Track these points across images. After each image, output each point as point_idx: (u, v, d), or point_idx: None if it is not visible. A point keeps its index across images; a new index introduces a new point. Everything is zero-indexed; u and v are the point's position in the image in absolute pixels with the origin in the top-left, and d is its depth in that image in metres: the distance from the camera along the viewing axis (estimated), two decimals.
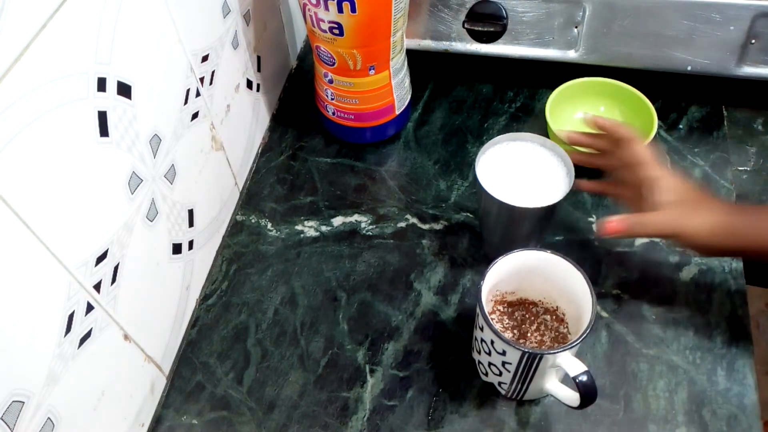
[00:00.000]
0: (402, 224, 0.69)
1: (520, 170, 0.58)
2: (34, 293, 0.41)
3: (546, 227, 0.61)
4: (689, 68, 0.70)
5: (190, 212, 0.61)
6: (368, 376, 0.59)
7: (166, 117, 0.55)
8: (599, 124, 0.59)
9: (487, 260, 0.54)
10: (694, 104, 0.76)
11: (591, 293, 0.50)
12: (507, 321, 0.58)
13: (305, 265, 0.66)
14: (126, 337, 0.52)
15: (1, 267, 0.38)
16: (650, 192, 0.54)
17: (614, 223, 0.53)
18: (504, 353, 0.50)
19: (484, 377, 0.56)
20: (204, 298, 0.65)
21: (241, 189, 0.73)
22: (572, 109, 0.74)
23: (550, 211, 0.56)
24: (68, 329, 0.44)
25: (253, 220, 0.71)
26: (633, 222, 0.53)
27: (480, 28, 0.71)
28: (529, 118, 0.77)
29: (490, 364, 0.53)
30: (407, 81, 0.74)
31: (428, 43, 0.75)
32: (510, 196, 0.56)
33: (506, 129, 0.76)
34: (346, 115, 0.73)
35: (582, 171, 0.72)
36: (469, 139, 0.75)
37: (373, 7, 0.61)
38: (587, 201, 0.68)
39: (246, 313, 0.64)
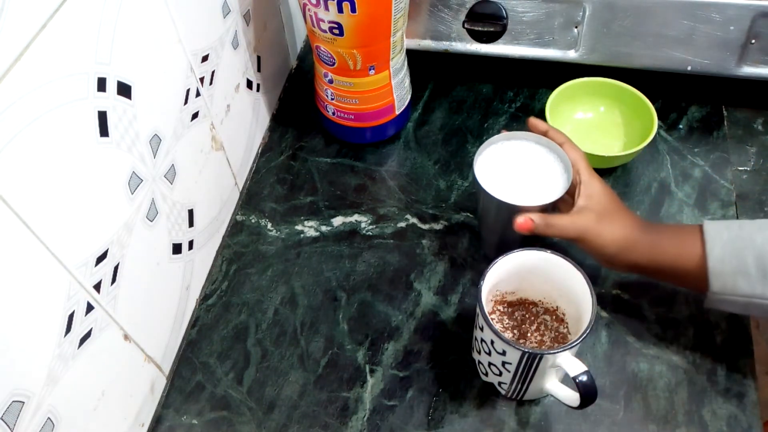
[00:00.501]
0: (402, 224, 0.69)
1: (518, 169, 0.58)
2: (34, 293, 0.41)
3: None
4: (689, 68, 0.70)
5: (190, 212, 0.61)
6: (368, 376, 0.59)
7: (166, 117, 0.55)
8: (531, 124, 0.60)
9: (487, 260, 0.54)
10: (694, 104, 0.76)
11: (591, 293, 0.50)
12: (507, 321, 0.58)
13: (305, 265, 0.66)
14: (126, 337, 0.52)
15: (1, 267, 0.38)
16: (575, 194, 0.55)
17: (523, 221, 0.54)
18: (504, 353, 0.50)
19: (484, 377, 0.56)
20: (204, 298, 0.65)
21: (241, 189, 0.73)
22: (572, 109, 0.74)
23: (548, 208, 0.56)
24: (68, 329, 0.44)
25: (253, 220, 0.71)
26: (539, 222, 0.54)
27: (480, 28, 0.71)
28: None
29: (490, 364, 0.53)
30: (407, 81, 0.74)
31: (428, 43, 0.75)
32: (508, 195, 0.56)
33: (506, 129, 0.76)
34: (346, 115, 0.73)
35: None
36: (469, 139, 0.75)
37: (373, 7, 0.61)
38: None
39: (246, 313, 0.64)
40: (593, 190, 0.55)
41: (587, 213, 0.54)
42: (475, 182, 0.57)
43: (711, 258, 0.50)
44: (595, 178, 0.56)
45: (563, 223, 0.54)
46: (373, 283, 0.65)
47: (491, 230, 0.63)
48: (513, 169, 0.58)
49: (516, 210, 0.55)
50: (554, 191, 0.56)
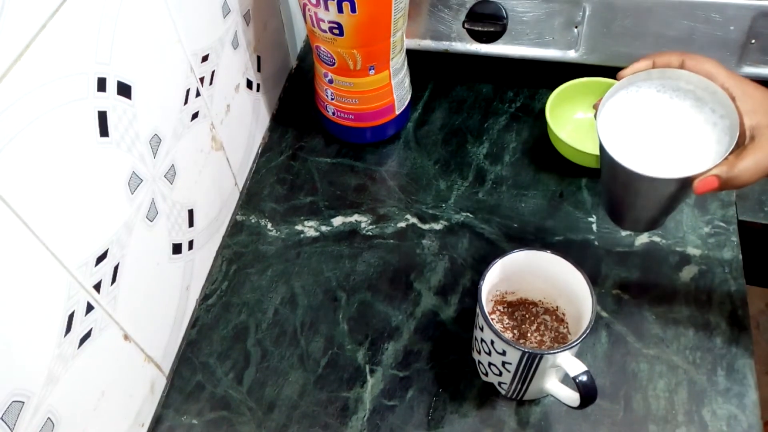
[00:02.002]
0: (402, 224, 0.69)
1: (657, 126, 0.47)
2: (34, 293, 0.41)
3: (683, 199, 0.49)
4: None
5: (190, 212, 0.61)
6: (368, 376, 0.59)
7: (166, 117, 0.55)
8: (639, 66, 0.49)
9: (488, 260, 0.54)
10: None
11: (591, 293, 0.50)
12: (507, 321, 0.58)
13: (305, 265, 0.66)
14: (126, 337, 0.52)
15: (1, 267, 0.38)
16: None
17: (703, 184, 0.44)
18: (504, 353, 0.50)
19: (484, 377, 0.56)
20: (204, 298, 0.65)
21: (241, 189, 0.73)
22: (572, 109, 0.74)
23: (689, 182, 0.45)
24: (68, 329, 0.44)
25: (253, 220, 0.71)
26: (726, 177, 0.44)
27: (480, 28, 0.71)
28: (529, 118, 0.77)
29: (490, 364, 0.53)
30: (407, 81, 0.74)
31: (428, 43, 0.75)
32: (639, 161, 0.45)
33: (506, 129, 0.76)
34: (346, 115, 0.73)
35: (582, 171, 0.71)
36: (469, 139, 0.75)
37: (373, 7, 0.61)
38: (587, 201, 0.68)
39: (246, 313, 0.64)
40: (753, 100, 0.45)
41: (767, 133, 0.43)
42: (602, 150, 0.47)
43: None
44: (744, 81, 0.46)
45: (754, 163, 0.43)
46: (373, 283, 0.64)
47: (616, 198, 0.52)
48: (651, 125, 0.48)
49: (647, 183, 0.46)
50: (704, 158, 0.45)
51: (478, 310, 0.51)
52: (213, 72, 0.63)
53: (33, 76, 0.38)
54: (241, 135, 0.72)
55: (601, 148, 0.47)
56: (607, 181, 0.52)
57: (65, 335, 0.44)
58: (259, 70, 0.74)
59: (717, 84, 0.46)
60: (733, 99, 0.45)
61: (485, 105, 0.79)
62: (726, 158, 0.44)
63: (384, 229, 0.69)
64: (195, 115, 0.60)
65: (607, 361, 0.58)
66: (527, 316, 0.58)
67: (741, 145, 0.45)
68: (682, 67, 0.48)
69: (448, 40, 0.74)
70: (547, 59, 0.73)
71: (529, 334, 0.57)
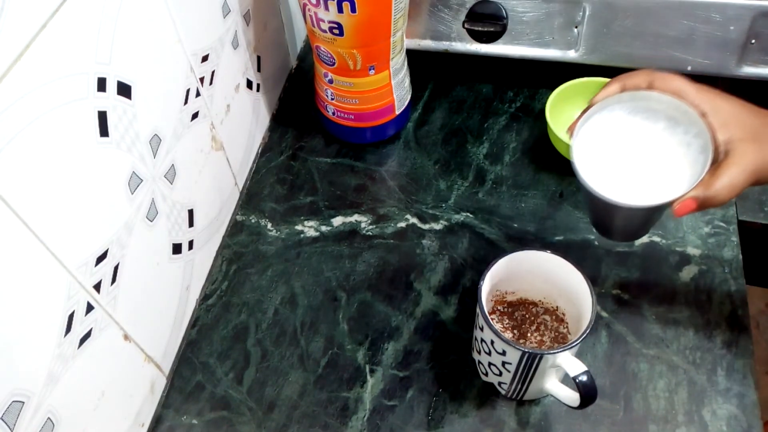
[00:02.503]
0: (402, 224, 0.69)
1: (631, 150, 0.46)
2: (34, 293, 0.41)
3: (661, 215, 0.50)
4: (689, 68, 0.70)
5: (190, 212, 0.61)
6: (368, 376, 0.59)
7: (166, 117, 0.55)
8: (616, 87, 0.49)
9: (488, 260, 0.54)
10: None
11: (591, 293, 0.50)
12: (507, 321, 0.58)
13: (305, 265, 0.66)
14: (126, 337, 0.52)
15: (1, 267, 0.38)
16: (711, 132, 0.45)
17: (681, 206, 0.44)
18: (504, 353, 0.50)
19: (484, 377, 0.56)
20: (204, 298, 0.65)
21: (241, 189, 0.73)
22: (572, 109, 0.73)
23: (667, 204, 0.45)
24: (68, 329, 0.44)
25: (253, 220, 0.71)
26: (703, 197, 0.44)
27: (480, 28, 0.71)
28: (529, 118, 0.77)
29: (490, 364, 0.53)
30: (407, 81, 0.74)
31: (428, 43, 0.75)
32: (615, 187, 0.45)
33: (506, 129, 0.76)
34: (346, 115, 0.73)
35: None
36: (469, 139, 0.75)
37: (373, 7, 0.61)
38: None
39: (246, 313, 0.64)
40: (724, 113, 0.44)
41: (742, 147, 0.43)
42: (578, 178, 0.47)
43: None
44: (714, 95, 0.46)
45: (729, 180, 0.43)
46: (373, 283, 0.65)
47: (615, 224, 0.52)
48: (624, 147, 0.47)
49: (623, 210, 0.46)
50: (679, 181, 0.45)
51: (478, 310, 0.51)
52: (213, 72, 0.63)
53: (33, 76, 0.38)
54: (241, 135, 0.72)
55: (576, 174, 0.47)
56: (587, 202, 0.52)
57: (65, 335, 0.44)
58: (259, 70, 0.74)
59: (687, 102, 0.46)
60: (704, 115, 0.45)
61: (485, 105, 0.79)
62: (702, 179, 0.44)
63: (384, 229, 0.69)
64: (195, 115, 0.60)
65: (607, 361, 0.58)
66: (527, 316, 0.58)
67: (717, 160, 0.45)
68: (651, 87, 0.47)
69: (448, 40, 0.74)
70: (547, 59, 0.73)
71: (529, 334, 0.57)
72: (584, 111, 0.49)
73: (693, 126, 0.46)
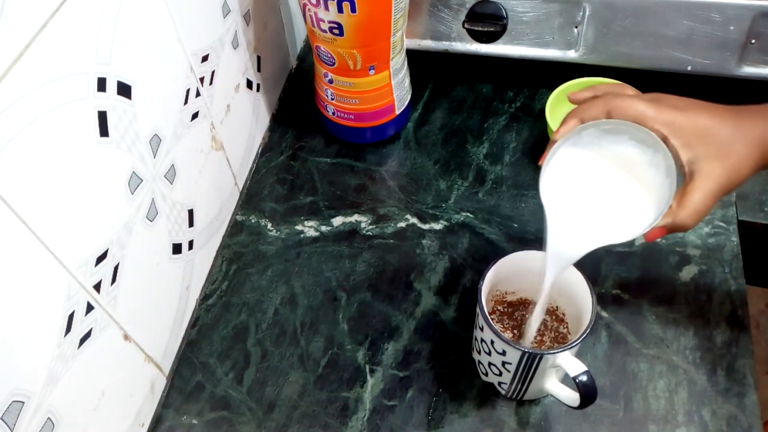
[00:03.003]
0: (402, 224, 0.69)
1: (598, 182, 0.47)
2: (34, 293, 0.41)
3: None
4: (689, 68, 0.70)
5: (190, 212, 0.61)
6: (368, 376, 0.59)
7: (166, 117, 0.55)
8: (574, 99, 0.50)
9: (488, 260, 0.54)
10: None
11: (591, 293, 0.50)
12: (507, 321, 0.58)
13: (305, 265, 0.66)
14: (126, 337, 0.52)
15: (1, 267, 0.38)
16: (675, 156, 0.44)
17: (650, 235, 0.45)
18: (504, 353, 0.50)
19: (484, 377, 0.56)
20: (204, 298, 0.65)
21: (241, 189, 0.73)
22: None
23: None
24: (68, 329, 0.44)
25: (253, 220, 0.71)
26: (671, 225, 0.44)
27: (480, 28, 0.71)
28: (529, 118, 0.77)
29: (490, 364, 0.53)
30: (407, 81, 0.74)
31: (428, 43, 0.75)
32: (583, 228, 0.46)
33: (506, 129, 0.76)
34: (346, 115, 0.73)
35: None
36: (469, 139, 0.75)
37: (373, 7, 0.61)
38: None
39: (246, 313, 0.64)
40: (686, 132, 0.43)
41: (706, 167, 0.43)
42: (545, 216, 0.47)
43: None
44: (674, 112, 0.44)
45: (694, 207, 0.43)
46: (373, 283, 0.65)
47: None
48: (587, 179, 0.47)
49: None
50: (643, 216, 0.45)
51: (478, 310, 0.51)
52: (213, 72, 0.63)
53: (33, 76, 0.38)
54: (241, 135, 0.72)
55: (546, 225, 0.47)
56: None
57: (65, 335, 0.44)
58: (259, 70, 0.74)
59: (647, 126, 0.45)
60: (666, 139, 0.44)
61: (485, 105, 0.79)
62: (669, 206, 0.44)
63: (384, 229, 0.69)
64: (195, 115, 0.60)
65: (607, 361, 0.58)
66: (527, 316, 0.58)
67: (685, 178, 0.44)
68: (608, 116, 0.46)
69: (448, 40, 0.74)
70: (547, 59, 0.73)
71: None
72: (548, 145, 0.48)
73: (658, 149, 0.45)
